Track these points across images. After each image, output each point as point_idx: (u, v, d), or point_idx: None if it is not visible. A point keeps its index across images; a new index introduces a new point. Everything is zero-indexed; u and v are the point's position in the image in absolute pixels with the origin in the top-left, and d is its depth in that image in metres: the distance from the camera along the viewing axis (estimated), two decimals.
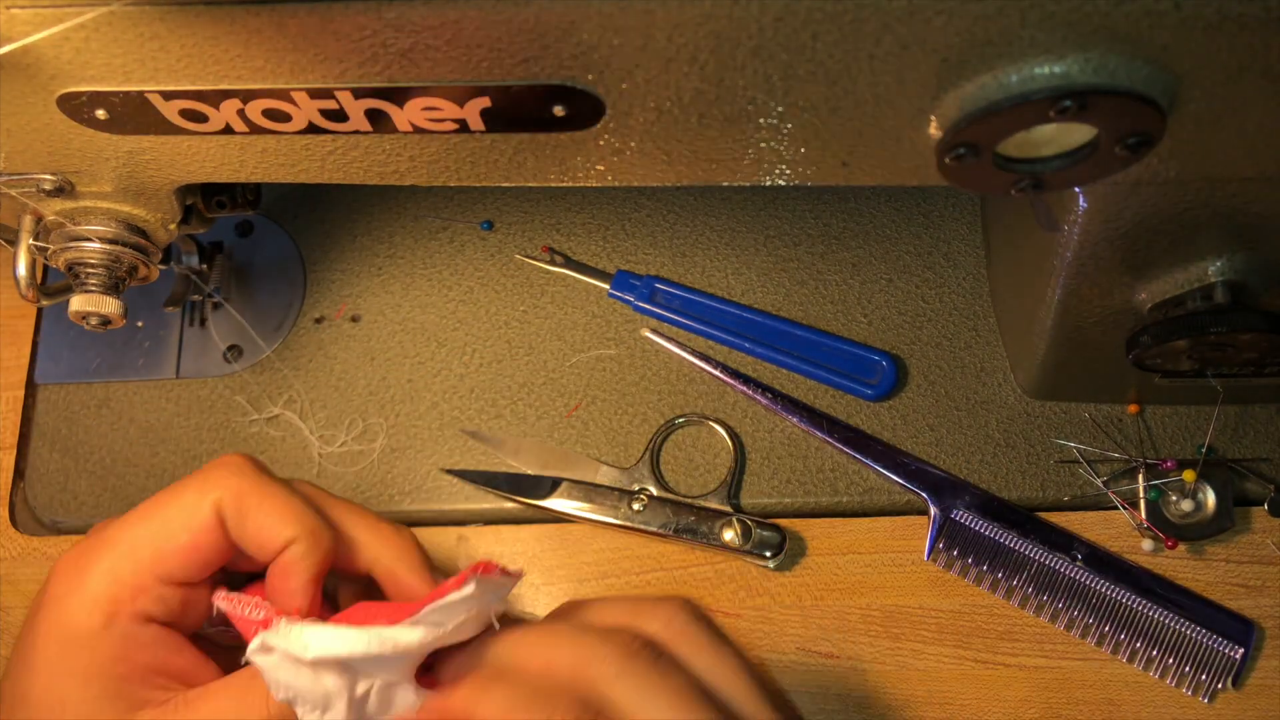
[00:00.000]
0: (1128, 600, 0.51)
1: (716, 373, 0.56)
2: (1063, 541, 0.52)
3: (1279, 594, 0.51)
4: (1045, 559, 0.52)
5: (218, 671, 0.38)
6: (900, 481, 0.53)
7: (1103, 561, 0.51)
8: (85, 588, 0.37)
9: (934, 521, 0.53)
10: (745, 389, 0.56)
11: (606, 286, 0.59)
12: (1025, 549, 0.52)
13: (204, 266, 0.60)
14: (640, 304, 0.58)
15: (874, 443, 0.54)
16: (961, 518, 0.52)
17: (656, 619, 0.36)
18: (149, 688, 0.36)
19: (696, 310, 0.58)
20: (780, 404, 0.55)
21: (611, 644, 0.34)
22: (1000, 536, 0.52)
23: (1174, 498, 0.51)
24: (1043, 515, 0.53)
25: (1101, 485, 0.53)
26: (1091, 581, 0.51)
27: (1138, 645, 0.50)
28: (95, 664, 0.36)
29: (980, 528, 0.52)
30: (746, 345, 0.57)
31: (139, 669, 0.36)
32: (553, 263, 0.60)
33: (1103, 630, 0.51)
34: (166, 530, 0.37)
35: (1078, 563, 0.51)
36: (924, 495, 0.53)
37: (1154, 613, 0.50)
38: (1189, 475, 0.51)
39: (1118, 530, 0.53)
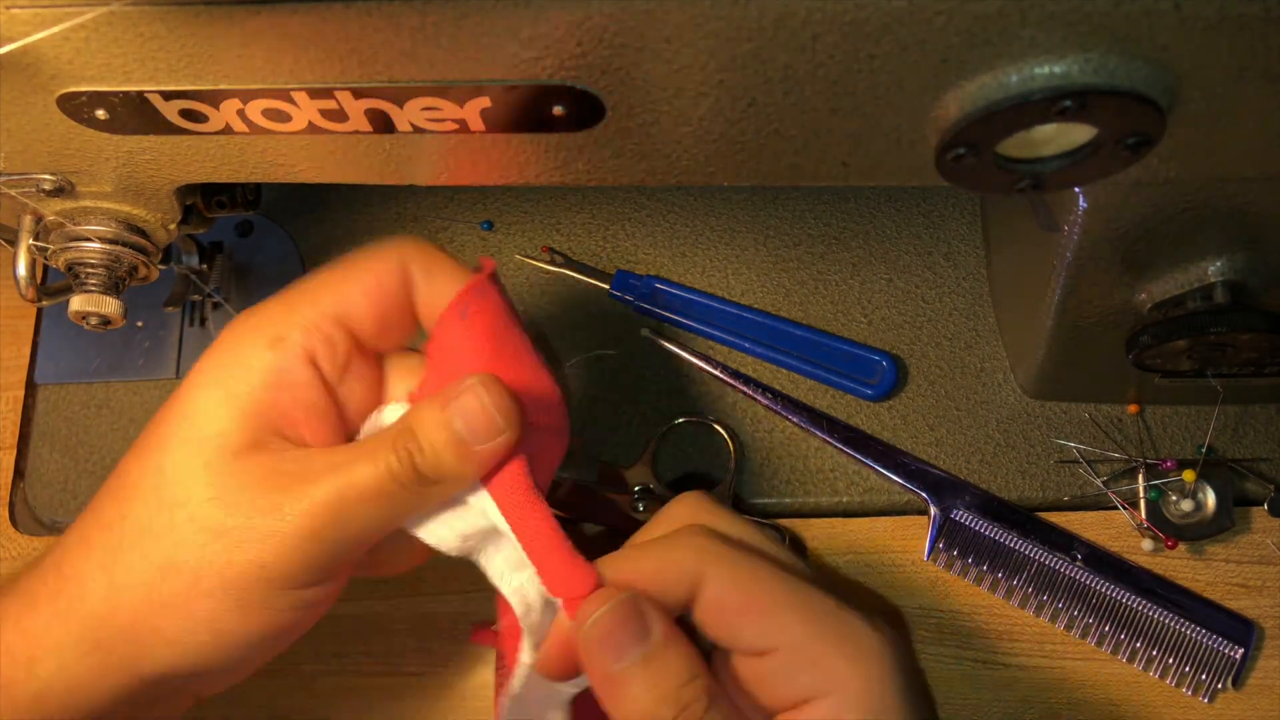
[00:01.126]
0: (1127, 600, 0.51)
1: (716, 372, 0.56)
2: (1063, 541, 0.52)
3: (1279, 594, 0.51)
4: (1045, 559, 0.52)
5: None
6: (900, 481, 0.53)
7: (1102, 561, 0.52)
8: (260, 313, 0.37)
9: (934, 521, 0.53)
10: (745, 389, 0.56)
11: (606, 286, 0.59)
12: (1025, 549, 0.52)
13: (204, 266, 0.60)
14: (640, 304, 0.58)
15: (874, 443, 0.54)
16: (961, 518, 0.52)
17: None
18: (277, 434, 0.36)
19: (696, 310, 0.58)
20: (780, 404, 0.55)
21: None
22: (1000, 536, 0.52)
23: (1174, 498, 0.51)
24: (1043, 515, 0.53)
25: (1101, 485, 0.53)
26: (1091, 581, 0.51)
27: (1137, 645, 0.50)
28: (240, 384, 0.36)
29: (980, 528, 0.52)
30: (746, 345, 0.57)
31: (279, 409, 0.36)
32: (553, 263, 0.60)
33: (1103, 630, 0.51)
34: (349, 271, 0.37)
35: (1077, 563, 0.51)
36: (924, 495, 0.53)
37: (1154, 613, 0.50)
38: (1189, 475, 0.51)
39: (1118, 530, 0.53)
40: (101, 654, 0.37)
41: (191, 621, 0.36)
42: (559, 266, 0.60)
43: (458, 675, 0.53)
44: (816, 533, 0.54)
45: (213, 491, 0.35)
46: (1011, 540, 0.52)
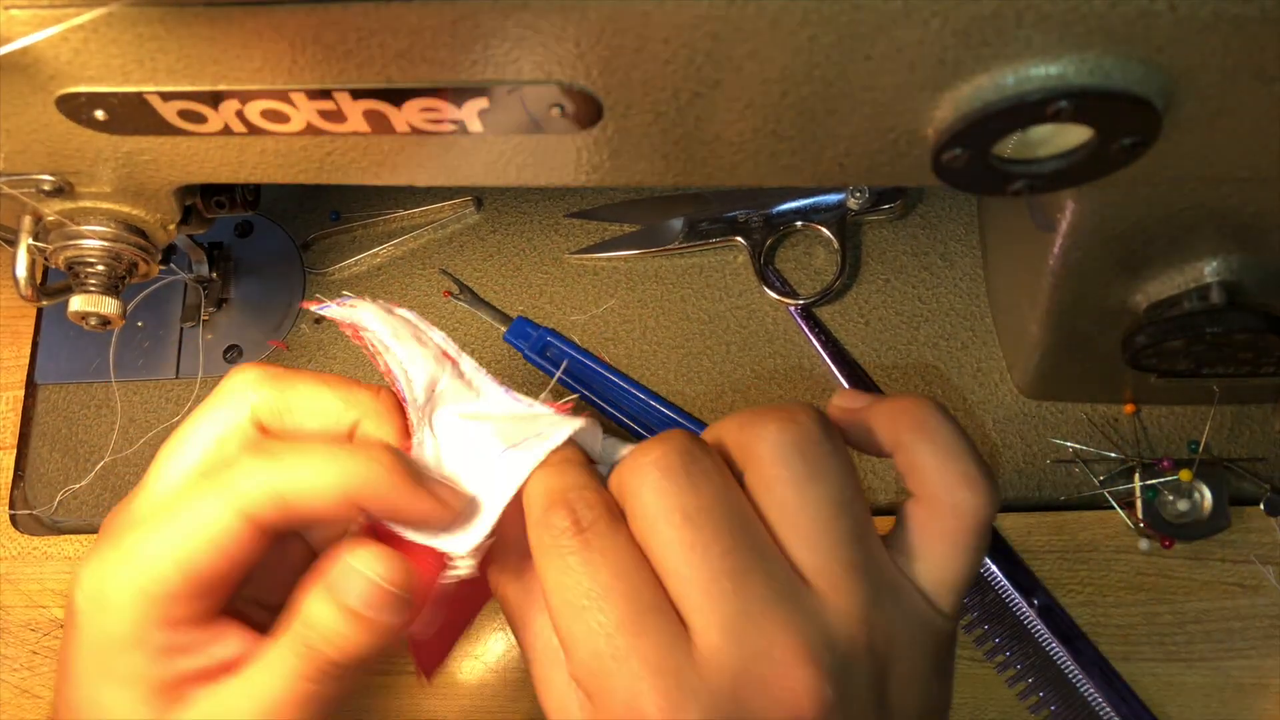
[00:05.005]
0: (1062, 662, 0.50)
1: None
2: (1027, 583, 0.52)
3: (1275, 593, 0.51)
4: (1004, 593, 0.51)
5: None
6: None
7: (1055, 618, 0.51)
8: (111, 599, 0.33)
9: None
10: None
11: (503, 329, 0.59)
12: (990, 576, 0.52)
13: (214, 275, 0.60)
14: (529, 353, 0.58)
15: None
16: None
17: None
18: (191, 687, 0.34)
19: (584, 375, 0.58)
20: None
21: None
22: None
23: (1170, 497, 0.52)
24: (1042, 513, 0.53)
25: (1098, 485, 0.53)
26: (1037, 631, 0.51)
27: (1053, 709, 0.50)
28: (133, 671, 0.33)
29: None
30: (623, 421, 0.56)
31: (179, 673, 0.33)
32: (458, 298, 0.60)
33: (1027, 680, 0.50)
34: (187, 544, 0.33)
35: (1033, 607, 0.51)
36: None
37: (1081, 685, 0.50)
38: (1185, 475, 0.51)
39: (1114, 530, 0.53)
40: None
41: None
42: (463, 302, 0.60)
43: (457, 675, 0.53)
44: None
45: None
46: (980, 564, 0.51)
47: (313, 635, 0.32)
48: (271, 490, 0.32)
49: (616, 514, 0.32)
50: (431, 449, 0.36)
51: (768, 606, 0.30)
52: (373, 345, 0.38)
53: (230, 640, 0.34)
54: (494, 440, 0.36)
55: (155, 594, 0.33)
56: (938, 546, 0.33)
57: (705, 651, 0.29)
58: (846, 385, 0.56)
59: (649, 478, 0.31)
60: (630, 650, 0.29)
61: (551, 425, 0.36)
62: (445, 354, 0.38)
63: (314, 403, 0.35)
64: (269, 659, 0.33)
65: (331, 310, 0.38)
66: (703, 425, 0.56)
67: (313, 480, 0.32)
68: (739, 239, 0.59)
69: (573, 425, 0.35)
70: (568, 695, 0.32)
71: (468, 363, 0.39)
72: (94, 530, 0.57)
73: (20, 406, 0.60)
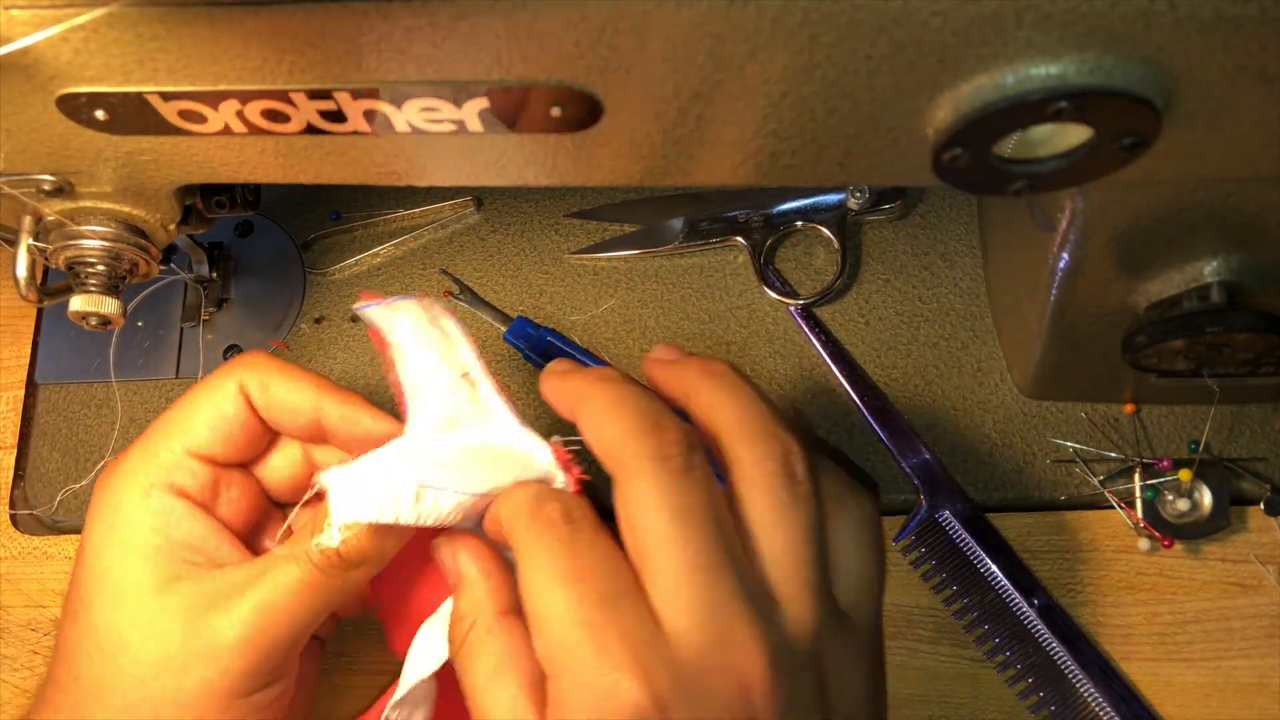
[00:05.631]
0: (1063, 663, 0.50)
1: None
2: (1027, 584, 0.51)
3: (1275, 593, 0.51)
4: (1005, 593, 0.51)
5: (250, 558, 0.40)
6: (903, 464, 0.53)
7: (1056, 618, 0.51)
8: (124, 466, 0.40)
9: (919, 513, 0.53)
10: None
11: (503, 329, 0.59)
12: (991, 576, 0.51)
13: (214, 275, 0.60)
14: (530, 354, 0.58)
15: (895, 418, 0.54)
16: (945, 521, 0.52)
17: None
18: (185, 563, 0.39)
19: None
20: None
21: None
22: (973, 555, 0.52)
23: (1170, 497, 0.52)
24: (1041, 514, 0.53)
25: (1098, 485, 0.53)
26: (1038, 631, 0.50)
27: (1053, 709, 0.50)
28: (133, 535, 0.39)
29: (959, 539, 0.52)
30: None
31: (174, 543, 0.39)
32: (458, 298, 0.60)
33: (1027, 680, 0.50)
34: (192, 407, 0.41)
35: (1033, 607, 0.51)
36: (919, 486, 0.53)
37: (1081, 687, 0.50)
38: (1185, 475, 0.51)
39: (1114, 530, 0.53)
40: None
41: None
42: (462, 301, 0.60)
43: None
44: None
45: (146, 631, 0.37)
46: (980, 563, 0.52)
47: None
48: (261, 378, 0.41)
49: (600, 520, 0.36)
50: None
51: (735, 601, 0.33)
52: (391, 358, 0.40)
53: (225, 538, 0.40)
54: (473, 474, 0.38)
55: (160, 453, 0.40)
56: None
57: (673, 633, 0.32)
58: (847, 385, 0.56)
59: (645, 469, 0.34)
60: (606, 622, 0.32)
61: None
62: (467, 376, 0.40)
63: (291, 383, 0.41)
64: (286, 548, 0.38)
65: (372, 311, 0.41)
66: None
67: (295, 380, 0.41)
68: (739, 239, 0.59)
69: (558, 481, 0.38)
70: (517, 703, 0.34)
71: (487, 387, 0.40)
72: None
73: (20, 406, 0.60)
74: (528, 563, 0.34)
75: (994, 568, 0.52)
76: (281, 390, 0.41)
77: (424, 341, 0.40)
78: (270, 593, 0.37)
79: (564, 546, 0.34)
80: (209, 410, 0.40)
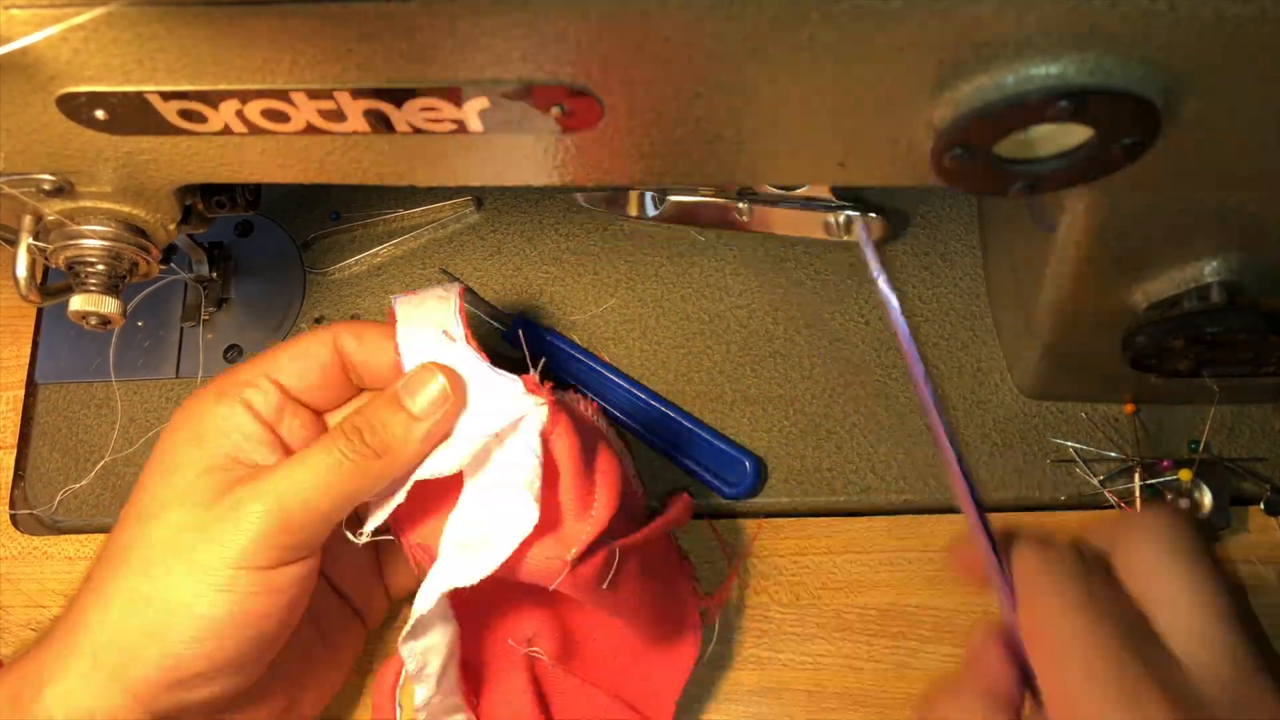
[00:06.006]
0: None
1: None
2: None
3: (1275, 593, 0.51)
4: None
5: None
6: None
7: None
8: (212, 383, 0.45)
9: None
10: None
11: (502, 329, 0.59)
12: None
13: (214, 275, 0.60)
14: (530, 355, 0.57)
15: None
16: None
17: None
18: (234, 457, 0.42)
19: (583, 375, 0.58)
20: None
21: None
22: None
23: (1170, 497, 0.51)
24: (1041, 513, 0.53)
25: (1098, 484, 0.53)
26: None
27: None
28: (196, 427, 0.43)
29: None
30: (623, 420, 0.56)
31: (230, 440, 0.42)
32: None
33: None
34: (284, 346, 0.45)
35: None
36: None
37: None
38: (1185, 474, 0.51)
39: None
40: (99, 671, 0.39)
41: (169, 612, 0.39)
42: (463, 301, 0.59)
43: None
44: (814, 532, 0.54)
45: (181, 497, 0.41)
46: None
47: (363, 420, 0.41)
48: (358, 331, 0.45)
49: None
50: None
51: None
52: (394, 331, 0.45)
53: (281, 453, 0.44)
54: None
55: (243, 373, 0.44)
56: None
57: (1195, 670, 0.32)
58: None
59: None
60: (1132, 656, 0.31)
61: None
62: (446, 332, 0.45)
63: (383, 333, 0.46)
64: (323, 437, 0.42)
65: (396, 301, 0.46)
66: (703, 425, 0.56)
67: (384, 342, 0.45)
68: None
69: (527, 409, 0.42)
70: None
71: (461, 340, 0.45)
72: (94, 530, 0.57)
73: (20, 406, 0.60)
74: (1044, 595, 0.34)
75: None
76: (374, 337, 0.45)
77: (417, 311, 0.45)
78: (296, 472, 0.40)
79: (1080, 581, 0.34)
80: (297, 348, 0.45)
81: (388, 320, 0.46)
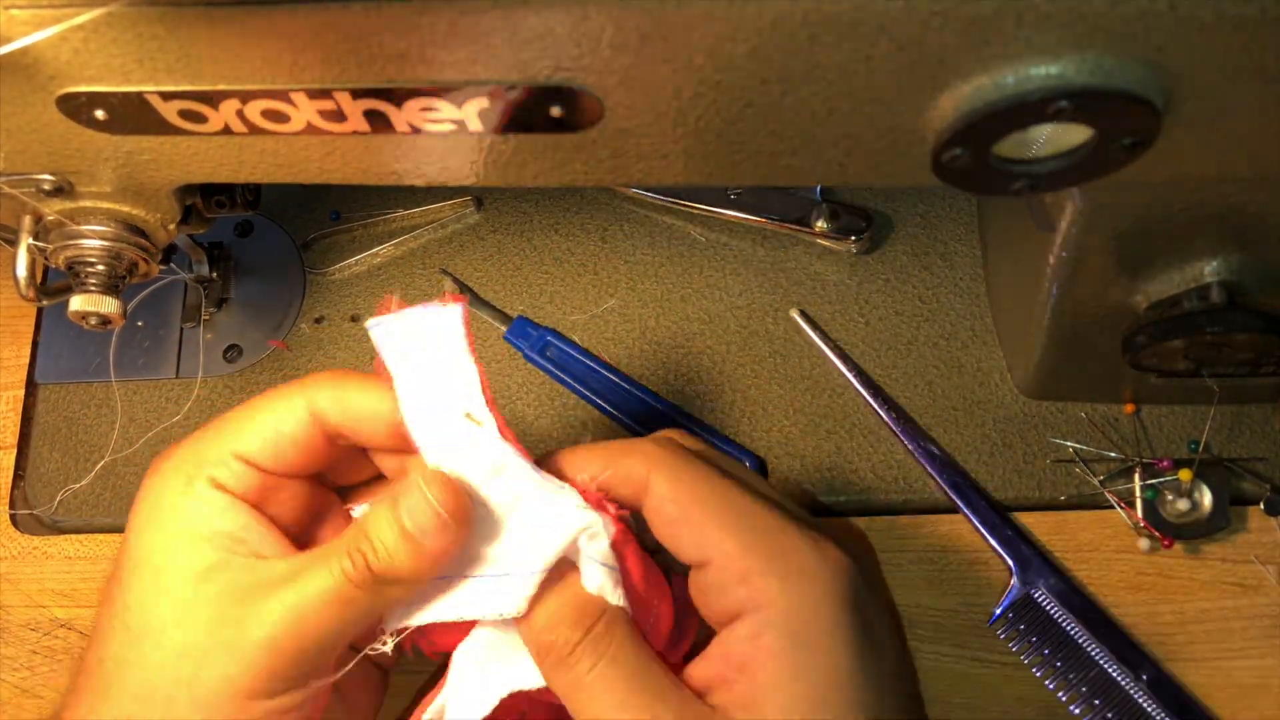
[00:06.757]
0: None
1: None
2: (1133, 658, 0.50)
3: (1275, 593, 0.51)
4: (1110, 668, 0.49)
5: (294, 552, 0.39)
6: (993, 543, 0.52)
7: (1166, 691, 0.49)
8: (171, 458, 0.40)
9: (1011, 592, 0.51)
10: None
11: (503, 328, 0.59)
12: (1094, 651, 0.50)
13: (214, 275, 0.60)
14: (530, 354, 0.58)
15: (980, 498, 0.53)
16: (1041, 598, 0.51)
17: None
18: (224, 551, 0.38)
19: (583, 375, 0.57)
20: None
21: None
22: (1074, 630, 0.50)
23: (1170, 497, 0.51)
24: (1041, 513, 0.53)
25: (1098, 484, 0.53)
26: (1150, 708, 0.49)
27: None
28: (174, 521, 0.38)
29: (1057, 615, 0.51)
30: (624, 420, 0.56)
31: (215, 532, 0.38)
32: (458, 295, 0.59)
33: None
34: (250, 413, 0.39)
35: (1141, 682, 0.49)
36: (1010, 564, 0.52)
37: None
38: (1185, 474, 0.51)
39: (1114, 530, 0.53)
40: None
41: None
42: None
43: None
44: None
45: (176, 615, 0.37)
46: (1083, 638, 0.50)
47: (367, 545, 0.36)
48: (337, 392, 0.39)
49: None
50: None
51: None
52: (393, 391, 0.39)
53: (268, 532, 0.39)
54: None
55: (207, 449, 0.39)
56: None
57: None
58: (855, 383, 0.56)
59: None
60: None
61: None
62: (470, 416, 0.38)
63: (371, 392, 0.40)
64: (322, 551, 0.37)
65: (375, 332, 0.39)
66: (703, 425, 0.56)
67: (373, 397, 0.39)
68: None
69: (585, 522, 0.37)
70: None
71: (491, 428, 0.38)
72: (94, 530, 0.57)
73: (20, 406, 0.60)
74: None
75: (1096, 643, 0.50)
76: (359, 399, 0.39)
77: (423, 373, 0.38)
78: (301, 596, 0.36)
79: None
80: (266, 421, 0.39)
81: (375, 370, 0.39)
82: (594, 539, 0.37)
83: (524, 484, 0.38)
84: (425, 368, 0.38)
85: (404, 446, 0.39)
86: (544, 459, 0.39)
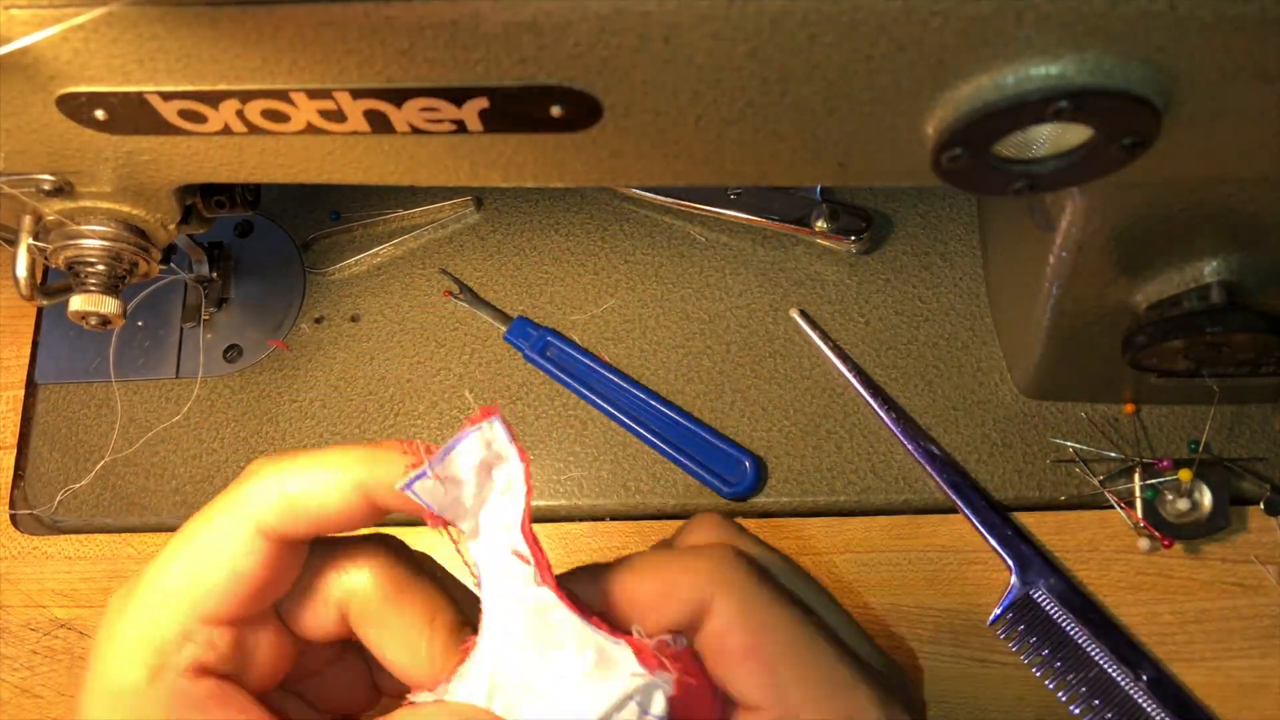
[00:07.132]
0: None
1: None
2: (1133, 658, 0.50)
3: (1275, 593, 0.51)
4: (1110, 668, 0.50)
5: None
6: (993, 543, 0.52)
7: (1166, 691, 0.49)
8: (123, 637, 0.32)
9: (1011, 592, 0.51)
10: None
11: (504, 328, 0.59)
12: (1093, 651, 0.50)
13: (214, 275, 0.60)
14: (530, 354, 0.58)
15: (979, 496, 0.53)
16: (1040, 598, 0.51)
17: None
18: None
19: (583, 375, 0.58)
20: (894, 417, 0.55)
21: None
22: (1073, 630, 0.50)
23: (1170, 497, 0.52)
24: (1042, 513, 0.53)
25: (1098, 484, 0.53)
26: (1149, 707, 0.49)
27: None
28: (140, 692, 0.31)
29: (1056, 614, 0.51)
30: (624, 420, 0.56)
31: (204, 713, 0.31)
32: (457, 297, 0.60)
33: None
34: (200, 568, 0.32)
35: (1141, 683, 0.49)
36: (1010, 564, 0.52)
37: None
38: (1185, 474, 0.51)
39: (1114, 530, 0.53)
40: None
41: None
42: (463, 301, 0.60)
43: None
44: (813, 532, 0.54)
45: None
46: (1083, 638, 0.50)
47: None
48: (283, 497, 0.31)
49: None
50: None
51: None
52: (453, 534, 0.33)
53: (252, 712, 0.32)
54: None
55: (167, 625, 0.32)
56: None
57: None
58: (855, 383, 0.56)
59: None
60: None
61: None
62: (518, 553, 0.32)
63: (324, 482, 0.32)
64: None
65: (419, 486, 0.32)
66: (703, 425, 0.56)
67: (323, 477, 0.32)
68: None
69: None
70: None
71: (530, 570, 0.33)
72: (94, 530, 0.57)
73: (20, 406, 0.60)
74: None
75: (1095, 642, 0.50)
76: (317, 498, 0.32)
77: (473, 512, 0.33)
78: None
79: None
80: (222, 572, 0.32)
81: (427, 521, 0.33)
82: (648, 699, 0.32)
83: (571, 629, 0.32)
84: (475, 507, 0.33)
85: (380, 517, 0.33)
86: (592, 573, 0.34)
